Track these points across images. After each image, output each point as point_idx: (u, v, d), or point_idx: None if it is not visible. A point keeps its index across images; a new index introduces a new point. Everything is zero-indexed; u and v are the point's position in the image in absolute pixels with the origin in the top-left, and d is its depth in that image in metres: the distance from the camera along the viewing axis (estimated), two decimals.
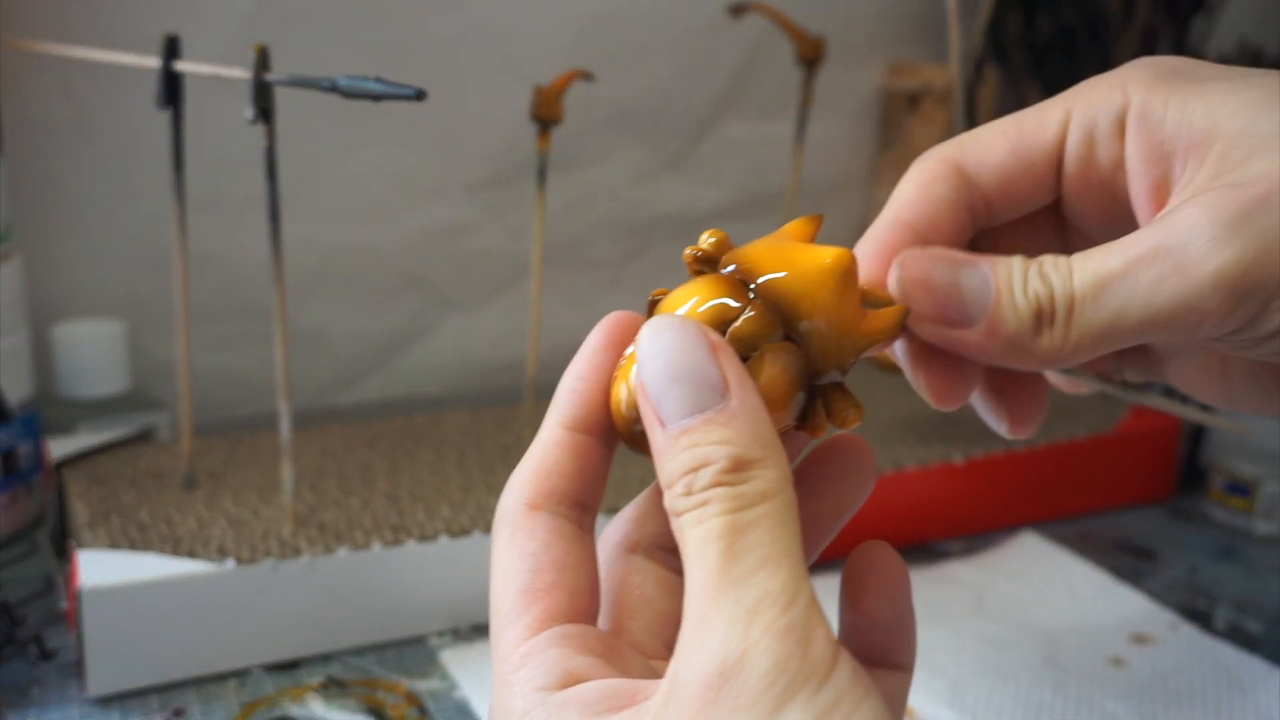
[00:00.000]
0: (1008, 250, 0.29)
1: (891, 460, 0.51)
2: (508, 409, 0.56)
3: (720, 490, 0.22)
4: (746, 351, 0.24)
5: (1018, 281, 0.26)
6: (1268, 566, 0.51)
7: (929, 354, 0.28)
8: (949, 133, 0.65)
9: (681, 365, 0.23)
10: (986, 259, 0.27)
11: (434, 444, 0.51)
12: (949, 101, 0.66)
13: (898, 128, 0.69)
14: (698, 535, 0.22)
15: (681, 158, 0.66)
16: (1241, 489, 0.54)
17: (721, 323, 0.25)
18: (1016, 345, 0.26)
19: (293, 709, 0.39)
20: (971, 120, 0.60)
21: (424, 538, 0.43)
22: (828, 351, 0.25)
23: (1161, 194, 0.28)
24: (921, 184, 0.29)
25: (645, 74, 0.63)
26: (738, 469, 0.22)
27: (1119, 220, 0.29)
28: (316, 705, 0.39)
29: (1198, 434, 0.59)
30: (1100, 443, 0.55)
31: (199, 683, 0.40)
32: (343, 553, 0.42)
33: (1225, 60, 0.62)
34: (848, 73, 0.68)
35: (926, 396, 0.29)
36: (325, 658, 0.42)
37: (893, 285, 0.27)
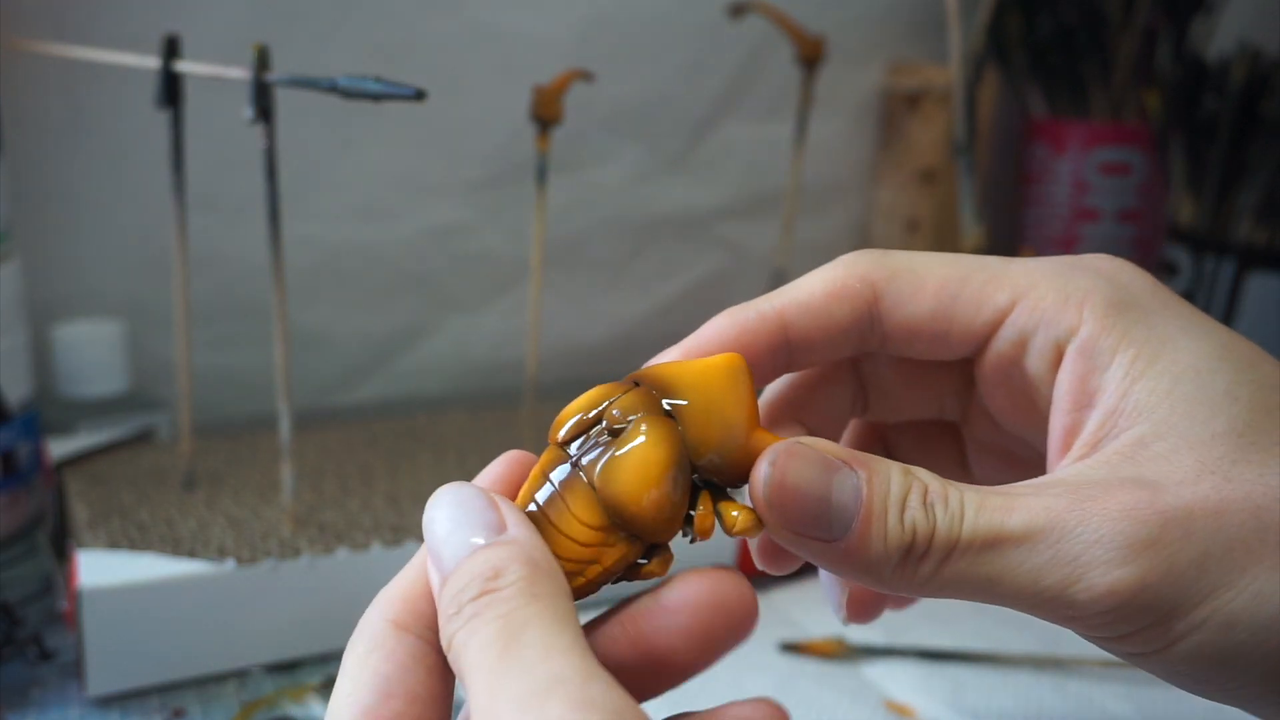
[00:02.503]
0: (900, 392, 0.30)
1: None
2: (508, 409, 0.56)
3: (489, 597, 0.21)
4: (622, 423, 0.24)
5: (894, 505, 0.23)
6: None
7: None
8: (949, 133, 0.65)
9: (460, 518, 0.23)
10: (862, 462, 0.24)
11: (434, 444, 0.51)
12: (949, 101, 0.66)
13: (898, 128, 0.69)
14: (474, 646, 0.20)
15: (681, 158, 0.66)
16: None
17: (601, 402, 0.25)
18: (873, 572, 0.24)
19: (293, 709, 0.39)
20: (972, 120, 0.60)
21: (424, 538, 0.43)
22: (707, 436, 0.24)
23: (1073, 438, 0.26)
24: (829, 293, 0.27)
25: (645, 74, 0.63)
26: (500, 576, 0.21)
27: (1026, 420, 0.28)
28: (316, 705, 0.39)
29: None
30: None
31: (199, 683, 0.40)
32: (342, 553, 0.42)
33: (1225, 61, 0.62)
34: (848, 73, 0.68)
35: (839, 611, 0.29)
36: (325, 658, 0.42)
37: (759, 483, 0.24)
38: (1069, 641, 0.44)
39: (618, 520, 0.23)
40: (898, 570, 0.23)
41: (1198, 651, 0.23)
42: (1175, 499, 0.23)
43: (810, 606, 0.46)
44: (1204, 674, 0.24)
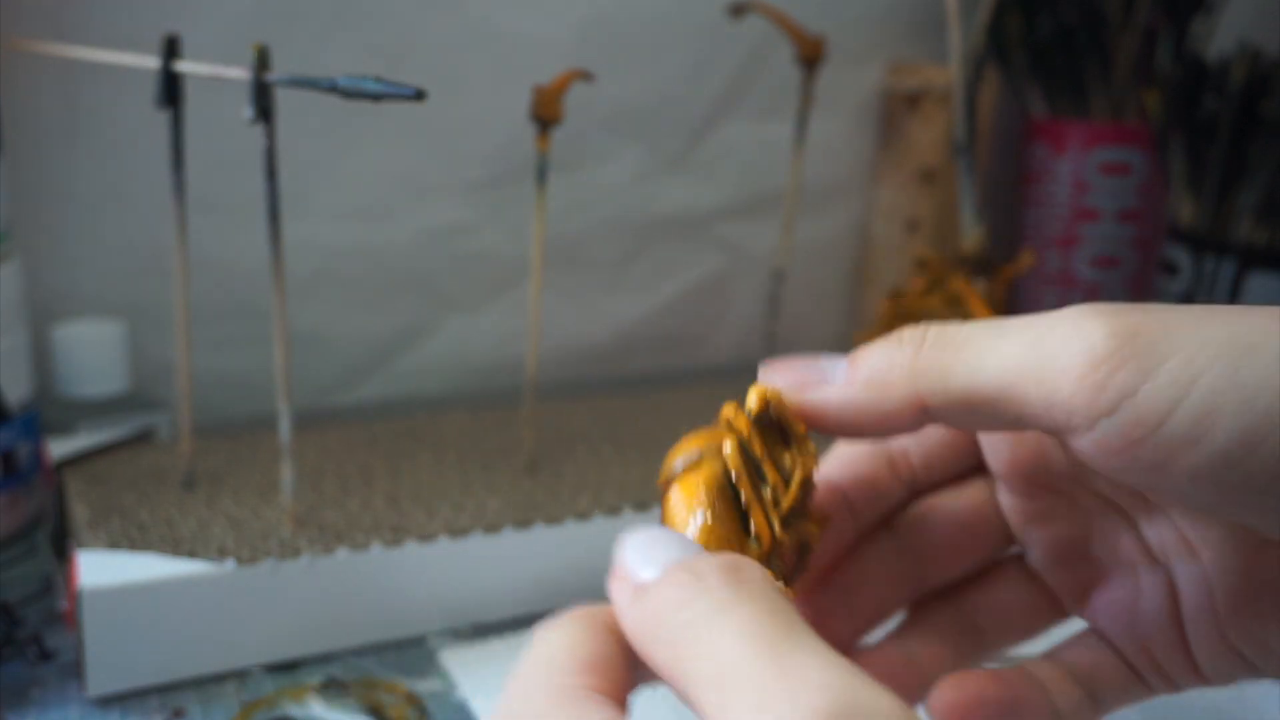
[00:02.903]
0: None
1: None
2: (508, 409, 0.56)
3: (726, 591, 0.21)
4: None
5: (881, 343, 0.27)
6: None
7: None
8: (949, 133, 0.65)
9: (655, 540, 0.24)
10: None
11: (434, 444, 0.51)
12: (949, 101, 0.66)
13: (898, 128, 0.69)
14: (709, 650, 0.20)
15: (681, 158, 0.66)
16: None
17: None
18: (879, 380, 0.27)
19: (293, 709, 0.39)
20: (972, 120, 0.60)
21: (424, 538, 0.43)
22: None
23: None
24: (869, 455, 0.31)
25: (645, 74, 0.63)
26: (731, 571, 0.22)
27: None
28: (316, 706, 0.39)
29: None
30: None
31: (199, 683, 0.40)
32: (342, 553, 0.42)
33: (1225, 61, 0.62)
34: (848, 73, 0.68)
35: None
36: (325, 658, 0.42)
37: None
38: None
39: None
40: (892, 367, 0.27)
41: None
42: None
43: None
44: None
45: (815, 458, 0.28)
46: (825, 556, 0.30)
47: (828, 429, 0.28)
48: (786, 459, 0.28)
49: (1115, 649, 0.31)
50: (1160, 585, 0.29)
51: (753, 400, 0.28)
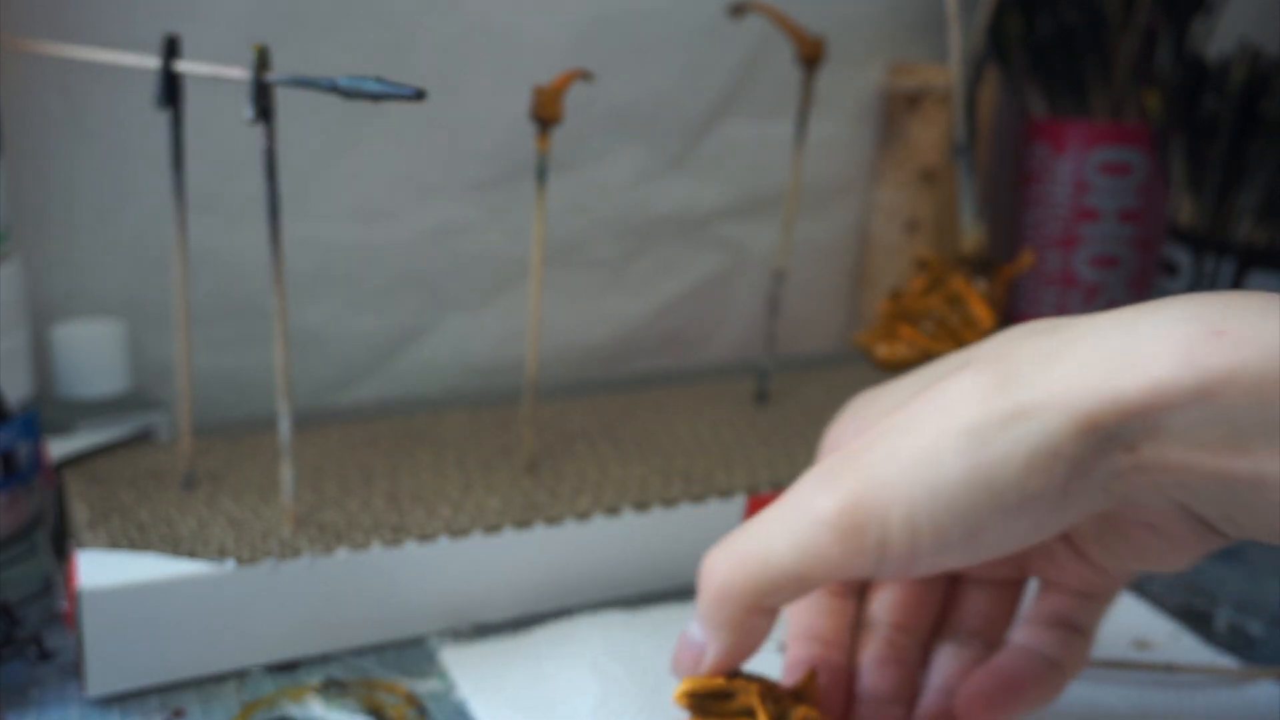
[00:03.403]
0: None
1: None
2: (508, 409, 0.56)
3: None
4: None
5: None
6: (1269, 567, 0.51)
7: None
8: (949, 133, 0.65)
9: None
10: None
11: (434, 444, 0.51)
12: (949, 101, 0.66)
13: (898, 128, 0.69)
14: None
15: (681, 158, 0.66)
16: None
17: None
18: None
19: (292, 709, 0.39)
20: (972, 120, 0.60)
21: (424, 538, 0.43)
22: None
23: None
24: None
25: (645, 74, 0.63)
26: None
27: None
28: (316, 706, 0.39)
29: None
30: None
31: (199, 683, 0.40)
32: (342, 553, 0.42)
33: (1225, 61, 0.62)
34: (848, 73, 0.68)
35: None
36: (325, 658, 0.42)
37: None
38: None
39: None
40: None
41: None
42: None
43: None
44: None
45: None
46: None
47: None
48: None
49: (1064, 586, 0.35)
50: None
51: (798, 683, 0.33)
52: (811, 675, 0.35)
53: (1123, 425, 0.26)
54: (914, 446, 0.27)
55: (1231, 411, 0.25)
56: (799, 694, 0.34)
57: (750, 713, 0.32)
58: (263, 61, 0.38)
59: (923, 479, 0.27)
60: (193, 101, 0.42)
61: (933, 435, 0.27)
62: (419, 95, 0.35)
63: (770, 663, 0.42)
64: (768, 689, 0.33)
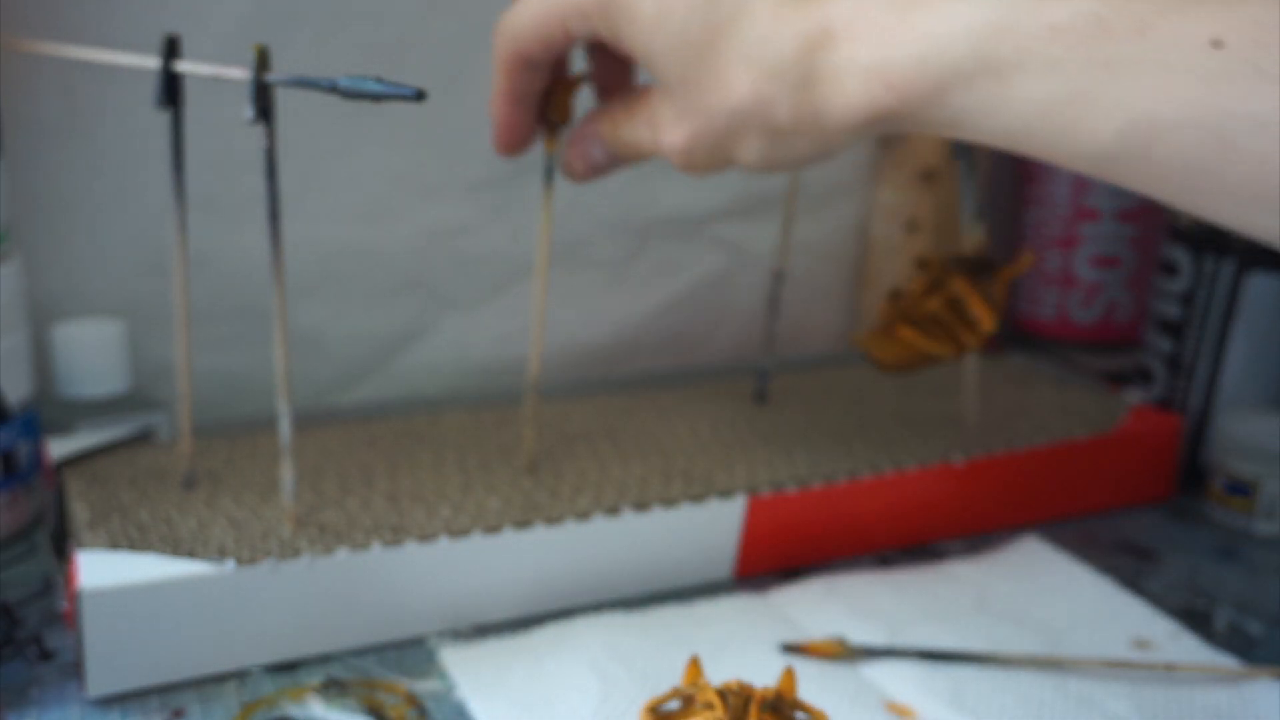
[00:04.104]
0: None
1: (891, 460, 0.51)
2: (508, 409, 0.56)
3: None
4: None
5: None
6: (1268, 567, 0.51)
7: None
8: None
9: None
10: (591, 132, 0.42)
11: (434, 444, 0.51)
12: None
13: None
14: None
15: None
16: (1242, 489, 0.54)
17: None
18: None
19: (292, 709, 0.39)
20: None
21: (424, 538, 0.43)
22: None
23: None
24: (508, 73, 0.41)
25: (645, 74, 0.63)
26: None
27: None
28: (316, 706, 0.39)
29: (1198, 434, 0.59)
30: (1100, 443, 0.55)
31: (199, 683, 0.40)
32: (342, 553, 0.42)
33: None
34: None
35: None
36: (325, 658, 0.42)
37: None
38: (1069, 641, 0.44)
39: None
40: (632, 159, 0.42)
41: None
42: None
43: (811, 607, 0.46)
44: None
45: None
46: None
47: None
48: None
49: None
50: None
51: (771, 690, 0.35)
52: (789, 675, 0.36)
53: None
54: None
55: None
56: (779, 694, 0.34)
57: (711, 706, 0.34)
58: (263, 62, 0.38)
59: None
60: (193, 102, 0.42)
61: None
62: (419, 96, 0.35)
63: (771, 664, 0.42)
64: (738, 689, 0.35)
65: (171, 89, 0.41)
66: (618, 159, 0.41)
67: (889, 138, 0.70)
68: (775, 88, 0.34)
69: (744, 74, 0.35)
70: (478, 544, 0.43)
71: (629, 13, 0.36)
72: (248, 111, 0.38)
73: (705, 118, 0.36)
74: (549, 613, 0.45)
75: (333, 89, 0.36)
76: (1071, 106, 0.30)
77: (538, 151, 0.45)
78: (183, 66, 0.41)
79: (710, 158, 0.38)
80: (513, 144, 0.43)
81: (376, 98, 0.36)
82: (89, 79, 0.52)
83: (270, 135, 0.39)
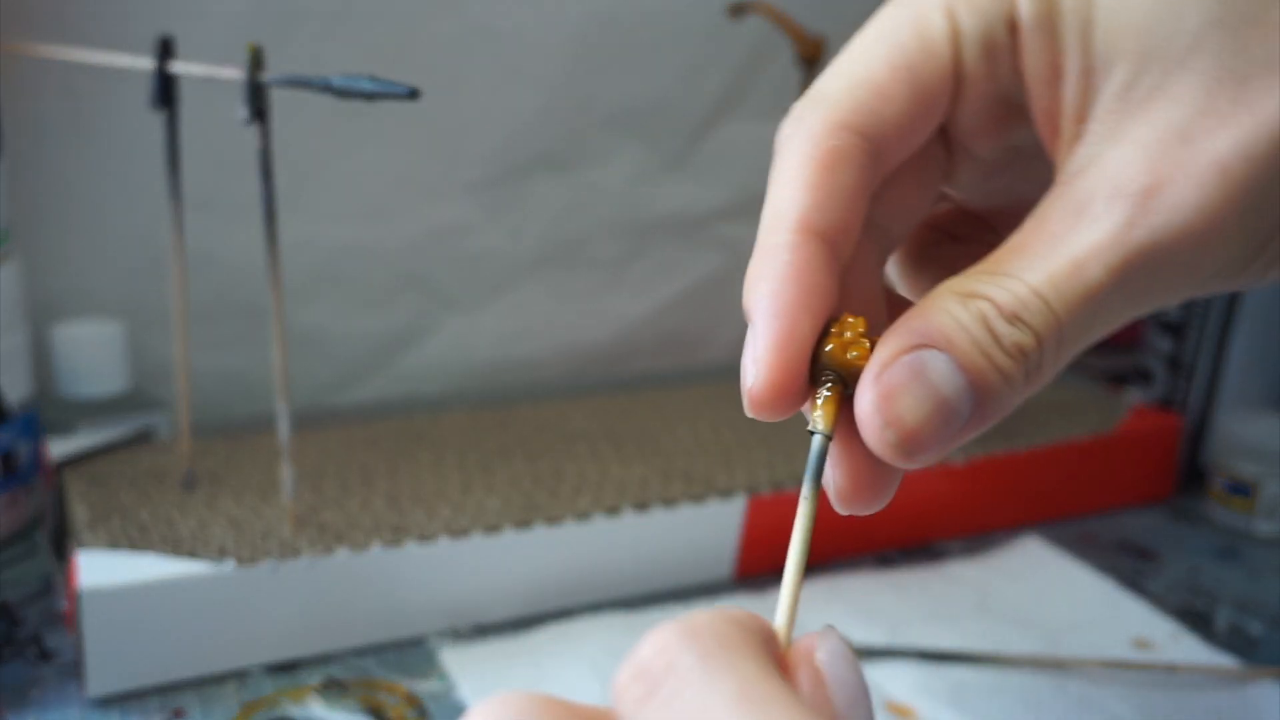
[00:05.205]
0: (888, 204, 0.25)
1: None
2: (508, 409, 0.56)
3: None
4: None
5: (989, 348, 0.21)
6: (1269, 567, 0.51)
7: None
8: None
9: None
10: (925, 333, 0.21)
11: (434, 444, 0.51)
12: None
13: None
14: None
15: (681, 158, 0.66)
16: (1242, 489, 0.54)
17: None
18: (1012, 405, 0.21)
19: (292, 710, 0.39)
20: None
21: (424, 538, 0.43)
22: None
23: (1054, 119, 0.23)
24: (827, 169, 0.23)
25: (645, 74, 0.63)
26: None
27: (1011, 135, 0.25)
28: (316, 706, 0.39)
29: (1198, 434, 0.59)
30: (1100, 443, 0.55)
31: (199, 683, 0.40)
32: (342, 553, 0.42)
33: None
34: None
35: (843, 498, 0.25)
36: (325, 658, 0.42)
37: (877, 445, 0.22)
38: (1069, 642, 0.44)
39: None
40: (1031, 384, 0.21)
41: None
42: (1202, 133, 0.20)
43: (810, 608, 0.46)
44: None
45: None
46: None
47: None
48: None
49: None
50: None
51: None
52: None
53: None
54: None
55: None
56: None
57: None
58: (257, 62, 0.38)
59: None
60: (192, 101, 0.42)
61: None
62: (413, 94, 0.35)
63: None
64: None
65: (166, 90, 0.41)
66: (986, 393, 0.21)
67: None
68: None
69: None
70: (478, 544, 0.43)
71: None
72: (241, 112, 0.38)
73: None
74: (549, 613, 0.45)
75: (326, 88, 0.36)
76: None
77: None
78: (176, 67, 0.41)
79: (1266, 185, 0.21)
80: (797, 352, 0.22)
81: (370, 96, 0.36)
82: (89, 80, 0.52)
83: (265, 135, 0.39)
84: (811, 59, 0.53)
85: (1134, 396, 0.61)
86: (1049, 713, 0.40)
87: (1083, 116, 0.22)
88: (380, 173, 0.59)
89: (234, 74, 0.38)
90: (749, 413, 0.23)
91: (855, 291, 0.25)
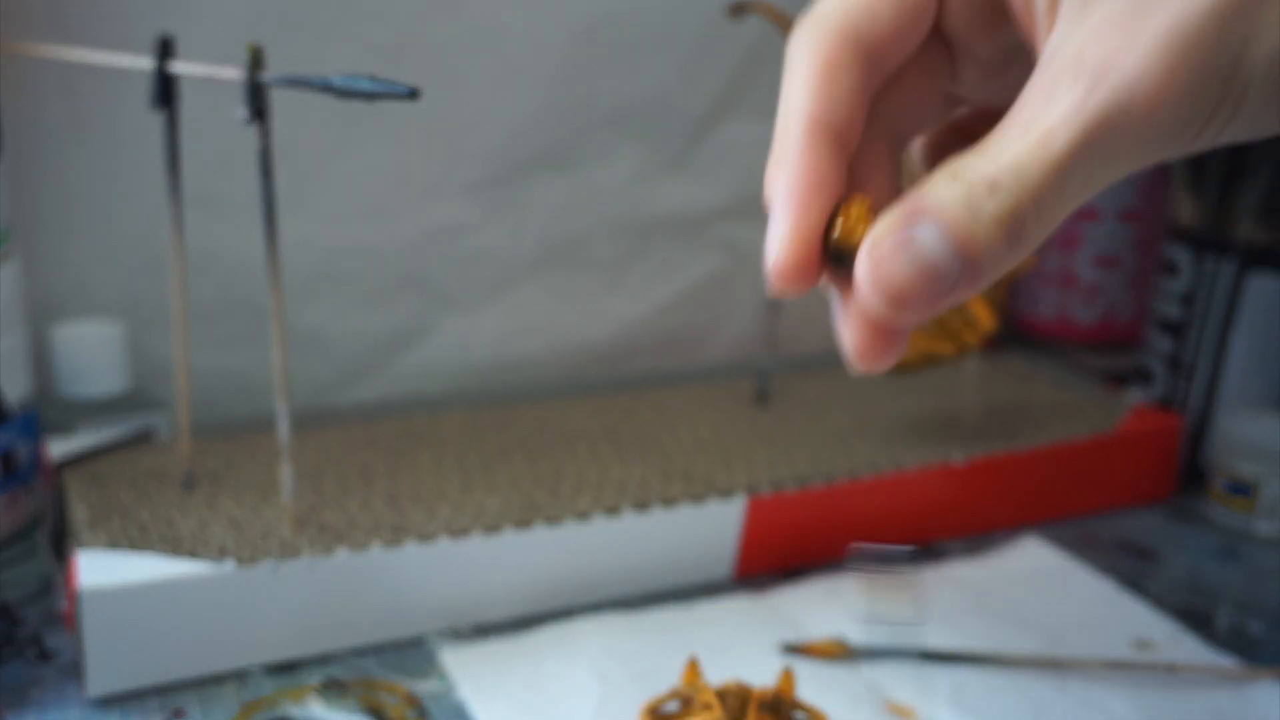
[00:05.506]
0: (895, 104, 0.28)
1: (891, 460, 0.51)
2: (508, 409, 0.56)
3: None
4: None
5: (975, 218, 0.23)
6: (1269, 567, 0.51)
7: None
8: None
9: None
10: (918, 211, 0.24)
11: (433, 444, 0.51)
12: None
13: None
14: None
15: (681, 158, 0.66)
16: (1242, 489, 0.54)
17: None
18: (998, 271, 0.24)
19: (292, 710, 0.39)
20: None
21: (424, 538, 0.43)
22: None
23: (1031, 12, 0.25)
24: (829, 73, 0.26)
25: (645, 74, 0.63)
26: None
27: (1001, 34, 0.27)
28: (316, 706, 0.39)
29: (1198, 434, 0.59)
30: (1101, 443, 0.55)
31: (198, 683, 0.40)
32: (342, 553, 0.42)
33: None
34: None
35: (856, 355, 0.27)
36: (325, 658, 0.42)
37: (872, 304, 0.24)
38: (1069, 642, 0.44)
39: None
40: (1016, 250, 0.24)
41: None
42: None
43: (811, 607, 0.46)
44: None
45: None
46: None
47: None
48: None
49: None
50: None
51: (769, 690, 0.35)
52: (788, 676, 0.36)
53: None
54: None
55: None
56: (778, 694, 0.35)
57: (710, 707, 0.33)
58: (256, 61, 0.38)
59: None
60: (193, 101, 0.42)
61: None
62: (413, 94, 0.35)
63: (771, 665, 0.42)
64: (736, 689, 0.34)
65: (166, 90, 0.41)
66: (971, 245, 0.23)
67: None
68: None
69: None
70: (477, 544, 0.43)
71: None
72: (241, 111, 0.38)
73: None
74: (549, 613, 0.45)
75: (326, 88, 0.36)
76: None
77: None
78: (176, 67, 0.41)
79: (1207, 58, 0.23)
80: (811, 237, 0.27)
81: (370, 96, 0.36)
82: (90, 80, 0.52)
83: (265, 135, 0.39)
84: None
85: (1134, 396, 0.61)
86: (1049, 713, 0.40)
87: (1055, 5, 0.24)
88: (380, 173, 0.59)
89: (234, 74, 0.38)
90: (775, 286, 0.27)
91: (869, 183, 0.28)
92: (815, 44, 0.26)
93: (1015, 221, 0.23)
